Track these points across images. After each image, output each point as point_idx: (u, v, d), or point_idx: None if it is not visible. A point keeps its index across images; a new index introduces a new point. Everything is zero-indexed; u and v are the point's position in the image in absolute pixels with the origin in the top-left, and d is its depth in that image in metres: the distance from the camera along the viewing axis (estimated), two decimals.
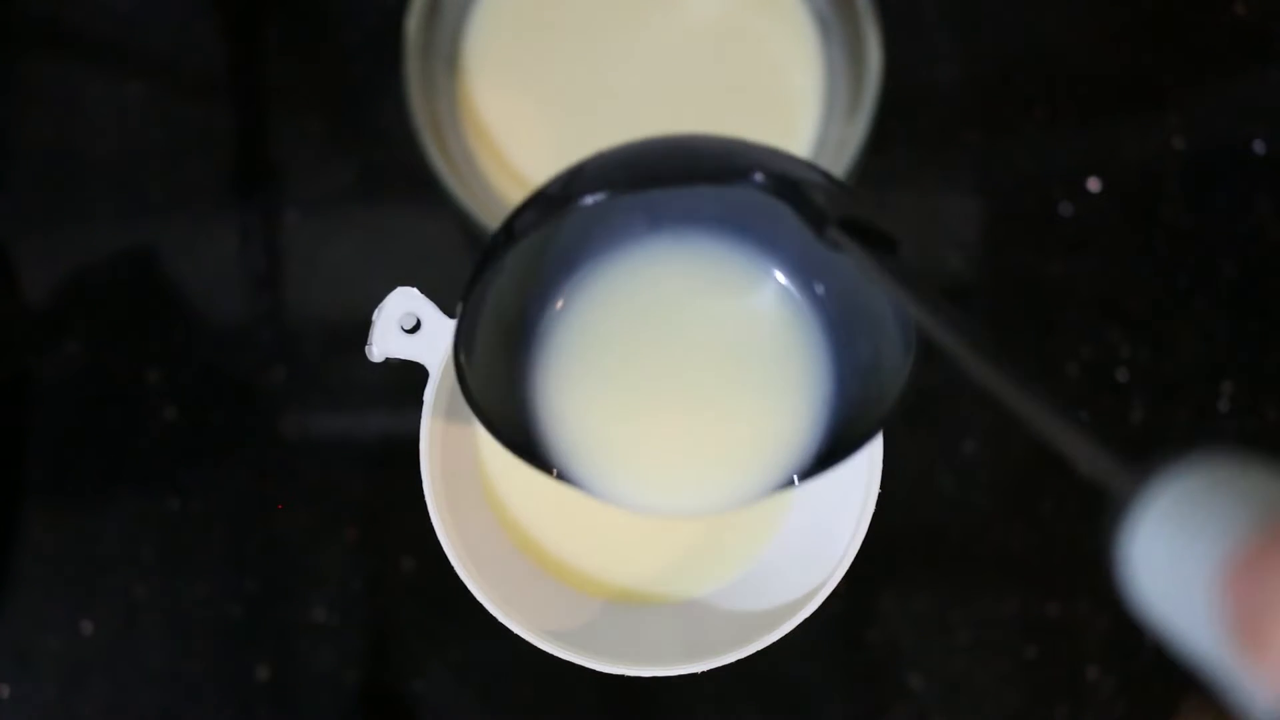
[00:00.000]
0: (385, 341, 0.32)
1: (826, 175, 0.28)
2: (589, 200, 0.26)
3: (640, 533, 0.34)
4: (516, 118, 0.52)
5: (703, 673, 0.31)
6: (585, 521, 0.34)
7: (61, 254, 0.52)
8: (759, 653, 0.31)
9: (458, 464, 0.32)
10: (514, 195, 0.51)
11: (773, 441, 0.30)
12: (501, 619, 0.31)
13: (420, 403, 0.32)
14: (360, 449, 0.52)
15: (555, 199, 0.27)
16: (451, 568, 0.31)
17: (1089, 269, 0.53)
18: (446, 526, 0.31)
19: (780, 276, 0.30)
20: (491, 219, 0.49)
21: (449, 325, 0.32)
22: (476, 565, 0.31)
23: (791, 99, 0.52)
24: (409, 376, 0.33)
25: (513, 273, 0.29)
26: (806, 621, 0.31)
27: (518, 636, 0.31)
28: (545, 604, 0.32)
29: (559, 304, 0.30)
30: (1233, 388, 0.52)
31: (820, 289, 0.30)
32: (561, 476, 0.29)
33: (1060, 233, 0.53)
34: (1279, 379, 0.52)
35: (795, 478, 0.30)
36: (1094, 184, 0.53)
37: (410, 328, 0.32)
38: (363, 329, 0.33)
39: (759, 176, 0.27)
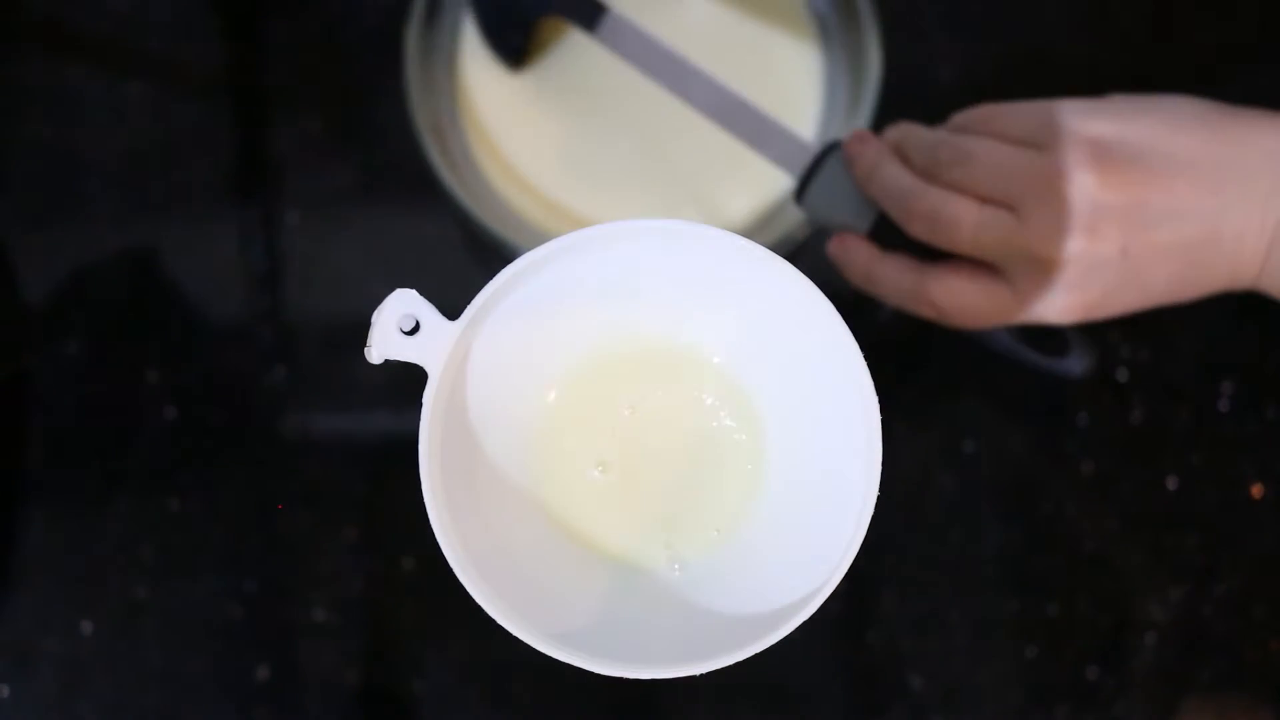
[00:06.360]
0: (384, 343, 0.32)
1: None
2: None
3: (626, 493, 0.34)
4: (516, 118, 0.52)
5: (702, 673, 0.31)
6: (576, 478, 0.34)
7: (61, 254, 0.52)
8: (759, 653, 0.31)
9: (458, 464, 0.32)
10: (514, 195, 0.51)
11: None
12: (501, 621, 0.30)
13: (420, 403, 0.32)
14: (360, 449, 0.52)
15: None
16: (451, 568, 0.31)
17: None
18: (446, 526, 0.31)
19: None
20: (491, 219, 0.49)
21: (448, 327, 0.32)
22: (476, 566, 0.31)
23: (791, 99, 0.52)
24: (409, 376, 0.33)
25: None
26: (806, 622, 0.31)
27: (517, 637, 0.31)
28: (545, 604, 0.32)
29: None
30: (1233, 388, 0.52)
31: None
32: None
33: None
34: (1279, 379, 0.52)
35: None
36: None
37: (409, 329, 0.32)
38: (362, 329, 0.33)
39: None
